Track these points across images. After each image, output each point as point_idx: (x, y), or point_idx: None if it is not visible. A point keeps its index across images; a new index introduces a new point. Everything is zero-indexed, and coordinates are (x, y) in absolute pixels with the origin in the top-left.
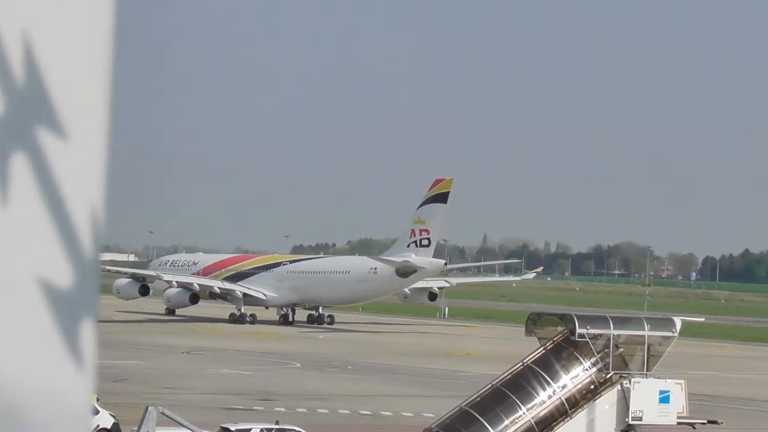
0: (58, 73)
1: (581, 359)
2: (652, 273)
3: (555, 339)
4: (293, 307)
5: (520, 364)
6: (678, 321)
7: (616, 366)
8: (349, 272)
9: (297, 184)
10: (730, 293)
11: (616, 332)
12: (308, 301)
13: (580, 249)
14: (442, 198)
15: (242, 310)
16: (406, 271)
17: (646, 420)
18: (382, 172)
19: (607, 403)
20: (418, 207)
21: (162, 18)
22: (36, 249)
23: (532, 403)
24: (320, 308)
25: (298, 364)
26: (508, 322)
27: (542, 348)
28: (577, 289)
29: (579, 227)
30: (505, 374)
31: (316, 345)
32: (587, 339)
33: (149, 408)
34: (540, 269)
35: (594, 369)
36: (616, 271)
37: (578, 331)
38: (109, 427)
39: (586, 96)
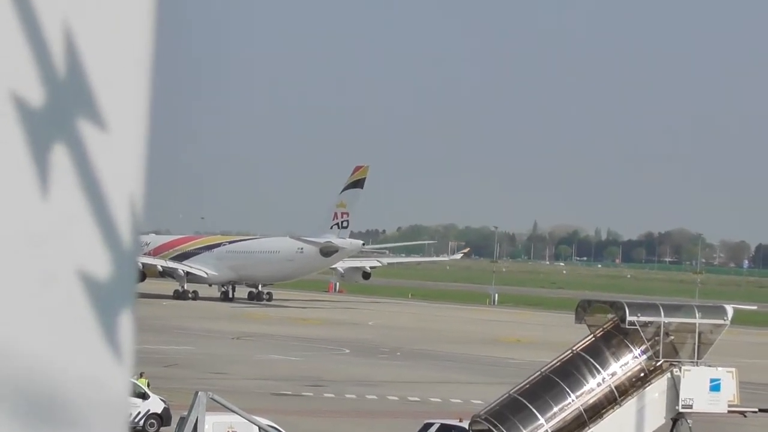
0: (98, 63)
1: (631, 347)
2: (703, 260)
3: (605, 326)
4: (233, 284)
5: (570, 351)
6: (730, 309)
7: (667, 354)
8: (278, 252)
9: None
10: None
11: (667, 320)
12: (244, 279)
13: (631, 236)
14: (359, 184)
15: (185, 287)
16: (328, 251)
17: (697, 408)
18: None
19: (656, 390)
20: (341, 192)
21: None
22: (76, 240)
23: (582, 391)
24: (260, 286)
25: (347, 351)
26: (557, 309)
27: (592, 335)
28: (628, 276)
29: (630, 214)
30: (555, 361)
31: (365, 332)
32: (637, 326)
33: (199, 393)
34: (467, 250)
35: (644, 356)
36: (667, 259)
37: (628, 318)
38: (159, 412)
39: (638, 81)
